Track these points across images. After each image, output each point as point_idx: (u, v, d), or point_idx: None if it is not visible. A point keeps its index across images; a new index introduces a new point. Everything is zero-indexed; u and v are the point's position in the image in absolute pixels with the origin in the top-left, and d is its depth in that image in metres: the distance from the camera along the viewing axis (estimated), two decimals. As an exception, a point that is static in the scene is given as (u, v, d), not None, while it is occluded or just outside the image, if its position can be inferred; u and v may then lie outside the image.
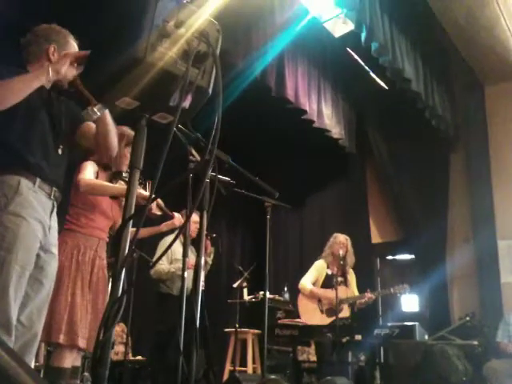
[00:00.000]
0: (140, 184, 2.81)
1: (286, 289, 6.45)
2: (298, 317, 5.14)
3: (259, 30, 4.48)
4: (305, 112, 5.37)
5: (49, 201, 2.10)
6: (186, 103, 1.50)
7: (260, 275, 5.00)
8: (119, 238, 1.39)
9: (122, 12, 1.51)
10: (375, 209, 7.18)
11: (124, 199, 1.50)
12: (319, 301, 4.96)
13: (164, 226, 3.66)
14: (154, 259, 4.19)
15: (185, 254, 2.54)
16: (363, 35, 4.63)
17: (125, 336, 4.91)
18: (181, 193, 2.36)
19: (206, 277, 4.50)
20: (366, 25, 4.52)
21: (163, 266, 4.46)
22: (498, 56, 5.97)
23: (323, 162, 6.71)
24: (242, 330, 5.67)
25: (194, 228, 4.07)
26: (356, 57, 5.77)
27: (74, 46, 2.21)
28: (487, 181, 6.32)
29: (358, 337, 4.45)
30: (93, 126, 2.17)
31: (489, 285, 6.00)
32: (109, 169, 2.99)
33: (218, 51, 1.49)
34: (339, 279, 4.85)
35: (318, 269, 5.09)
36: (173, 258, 4.51)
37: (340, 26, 5.31)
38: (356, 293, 5.04)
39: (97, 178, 2.90)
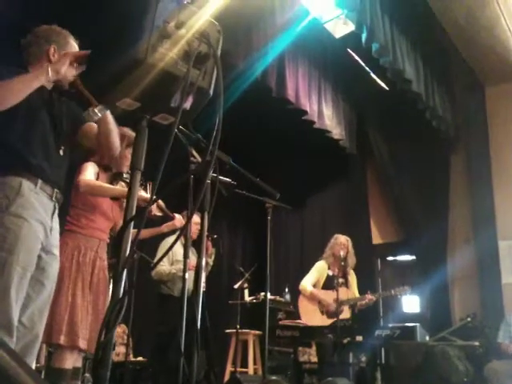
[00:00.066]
0: (141, 185, 2.81)
1: (286, 290, 6.44)
2: (299, 318, 5.13)
3: (260, 30, 4.48)
4: (305, 113, 5.37)
5: (50, 202, 2.10)
6: (187, 104, 1.50)
7: (261, 276, 5.00)
8: (120, 240, 1.39)
9: (122, 13, 1.50)
10: (376, 209, 7.17)
11: (124, 200, 1.50)
12: (319, 302, 4.96)
13: (165, 227, 3.65)
14: (155, 260, 4.19)
15: (186, 255, 2.54)
16: (364, 36, 4.63)
17: (126, 337, 4.91)
18: (182, 194, 2.36)
19: (207, 278, 4.48)
20: (367, 25, 4.52)
21: (164, 267, 4.46)
22: (499, 56, 5.97)
23: (324, 162, 6.71)
24: (243, 331, 5.67)
25: (194, 229, 4.06)
26: (356, 57, 5.77)
27: (74, 46, 2.20)
28: (488, 181, 6.31)
29: (359, 338, 4.44)
30: (95, 125, 2.17)
31: (490, 285, 5.99)
32: (109, 170, 2.99)
33: (218, 52, 1.48)
34: (340, 280, 4.84)
35: (319, 270, 5.09)
36: (174, 259, 4.51)
37: (340, 26, 5.31)
38: (357, 294, 5.03)
39: (97, 178, 2.90)
